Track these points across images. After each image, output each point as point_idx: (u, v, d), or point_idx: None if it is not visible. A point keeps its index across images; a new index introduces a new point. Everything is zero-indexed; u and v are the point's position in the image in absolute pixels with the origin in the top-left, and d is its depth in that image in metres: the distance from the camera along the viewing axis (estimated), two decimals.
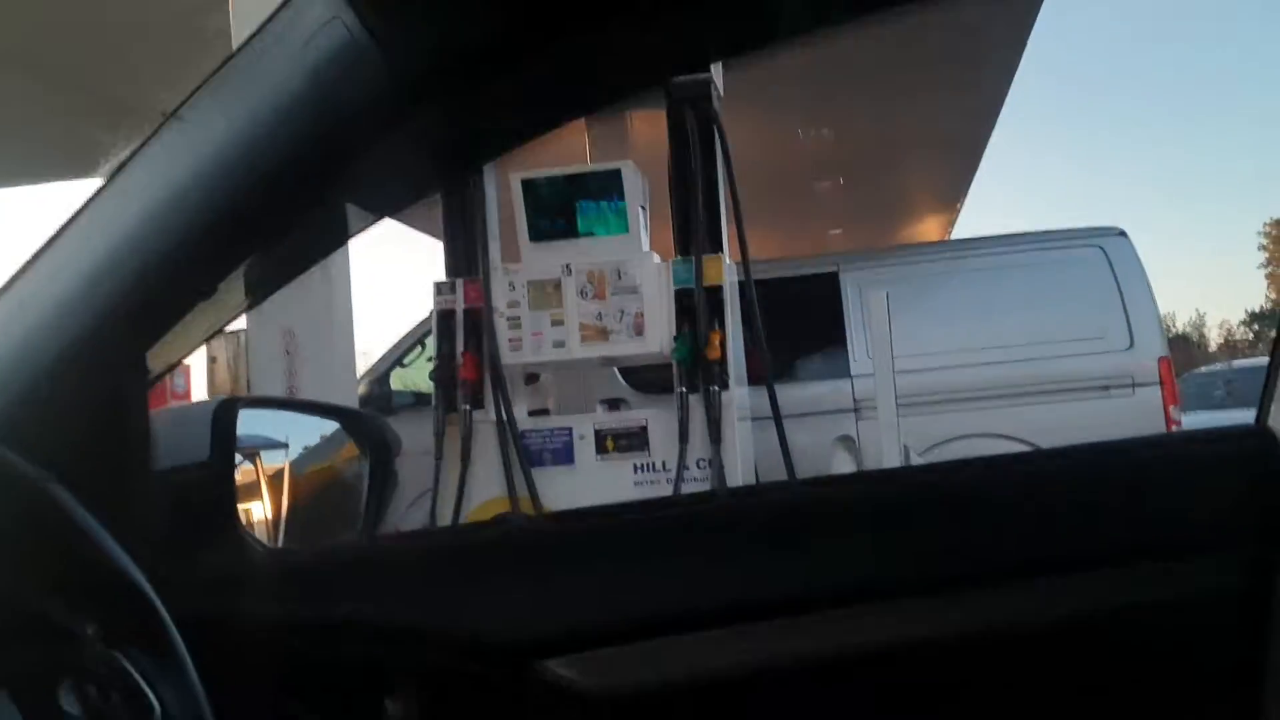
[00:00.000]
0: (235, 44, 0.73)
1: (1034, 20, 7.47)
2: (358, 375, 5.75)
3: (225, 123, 0.66)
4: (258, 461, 1.03)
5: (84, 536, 0.60)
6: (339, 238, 0.81)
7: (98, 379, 0.66)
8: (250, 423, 0.89)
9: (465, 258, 3.95)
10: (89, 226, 0.68)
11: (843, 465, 5.29)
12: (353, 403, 5.22)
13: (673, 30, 0.64)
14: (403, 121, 0.68)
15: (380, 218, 0.78)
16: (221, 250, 0.69)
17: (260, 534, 0.95)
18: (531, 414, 4.22)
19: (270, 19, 0.67)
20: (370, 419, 1.00)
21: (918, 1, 0.72)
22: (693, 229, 3.76)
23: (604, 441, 3.75)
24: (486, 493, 3.82)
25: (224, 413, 0.81)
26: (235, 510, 0.84)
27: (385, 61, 0.64)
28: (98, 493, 0.63)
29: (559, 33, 0.64)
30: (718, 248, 3.81)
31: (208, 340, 0.78)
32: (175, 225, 0.66)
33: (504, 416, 3.83)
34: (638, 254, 3.77)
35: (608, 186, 3.78)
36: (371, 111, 0.66)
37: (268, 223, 0.70)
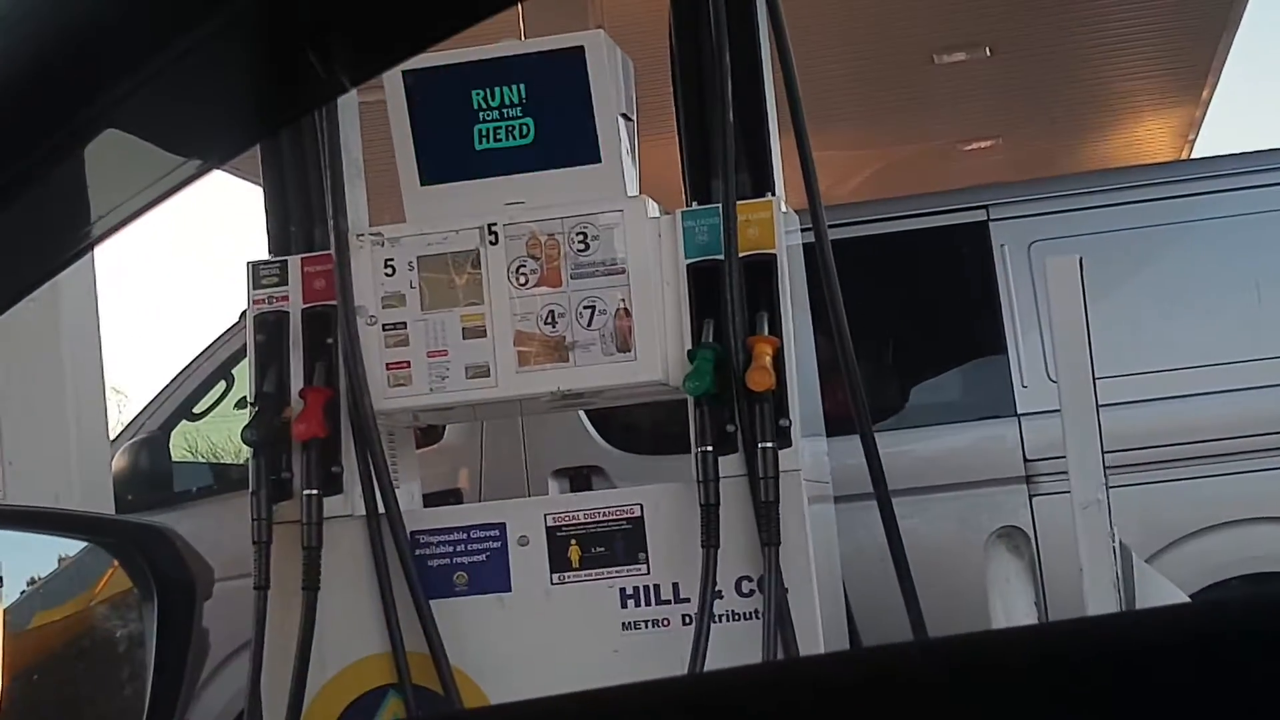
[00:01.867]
0: None
1: None
2: (110, 436, 5.81)
3: None
4: None
5: None
6: (110, 214, 0.84)
7: None
8: None
9: (303, 218, 4.09)
10: None
11: (1005, 580, 5.30)
12: (102, 487, 5.27)
13: None
14: (220, 14, 0.71)
15: (186, 172, 0.82)
16: None
17: None
18: (430, 500, 4.33)
19: None
20: (155, 534, 1.03)
21: None
22: (717, 151, 3.85)
23: (565, 548, 3.84)
24: (352, 647, 3.89)
25: None
26: None
27: None
28: None
29: None
30: (764, 186, 3.93)
31: None
32: None
33: (379, 507, 3.90)
34: (619, 200, 3.90)
35: (560, 80, 3.89)
36: None
37: None
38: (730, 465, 3.72)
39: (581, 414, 5.58)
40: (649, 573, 3.78)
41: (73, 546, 1.20)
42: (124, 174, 0.84)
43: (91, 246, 0.88)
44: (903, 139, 12.20)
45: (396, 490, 3.94)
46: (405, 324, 3.93)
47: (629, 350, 3.83)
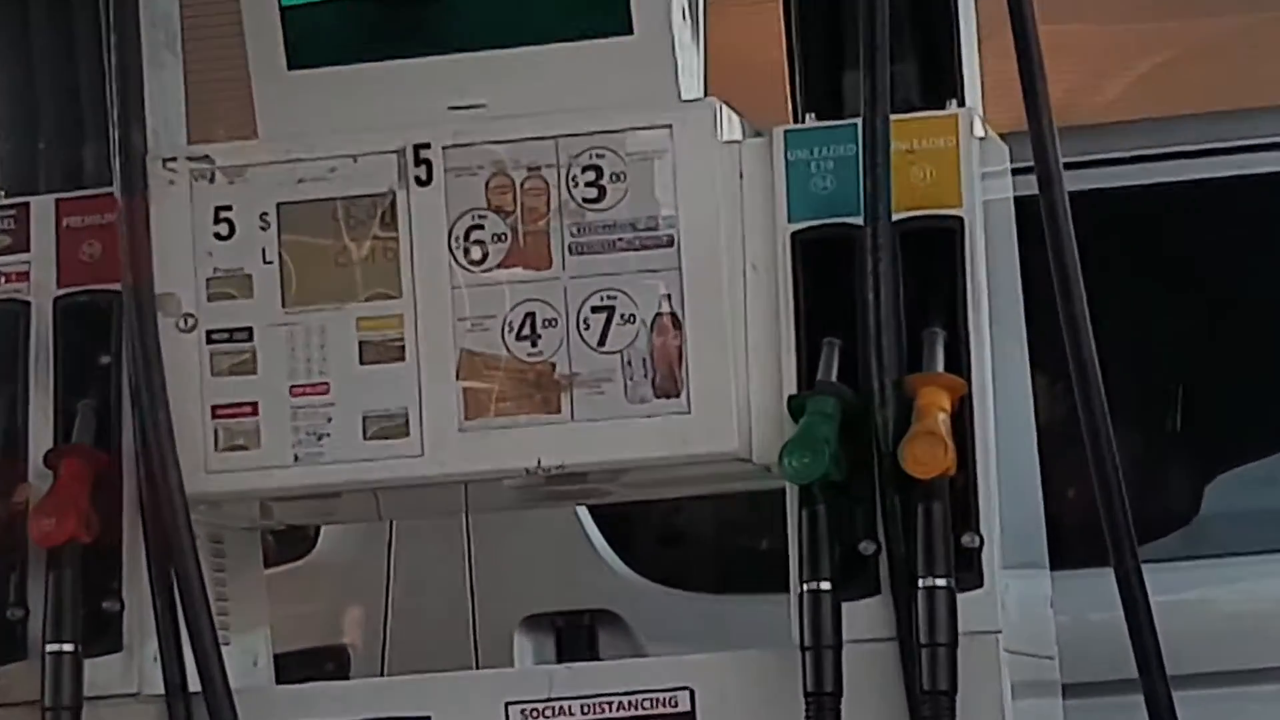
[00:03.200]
0: None
1: None
2: None
3: None
4: None
5: None
6: None
7: None
8: None
9: (63, 130, 4.07)
10: None
11: None
12: None
13: None
14: None
15: None
16: None
17: None
18: (292, 666, 4.36)
19: None
20: None
21: None
22: (862, 23, 3.69)
23: None
24: None
25: None
26: None
27: None
28: None
29: None
30: (946, 90, 3.82)
31: None
32: None
33: (190, 678, 3.70)
34: (667, 104, 3.79)
35: None
36: None
37: None
38: (865, 616, 3.51)
39: (582, 512, 5.51)
40: None
41: None
42: None
43: None
44: (1188, 17, 11.96)
45: (225, 648, 3.71)
46: (251, 331, 3.78)
47: (677, 393, 3.66)
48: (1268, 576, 5.41)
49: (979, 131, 3.74)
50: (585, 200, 3.68)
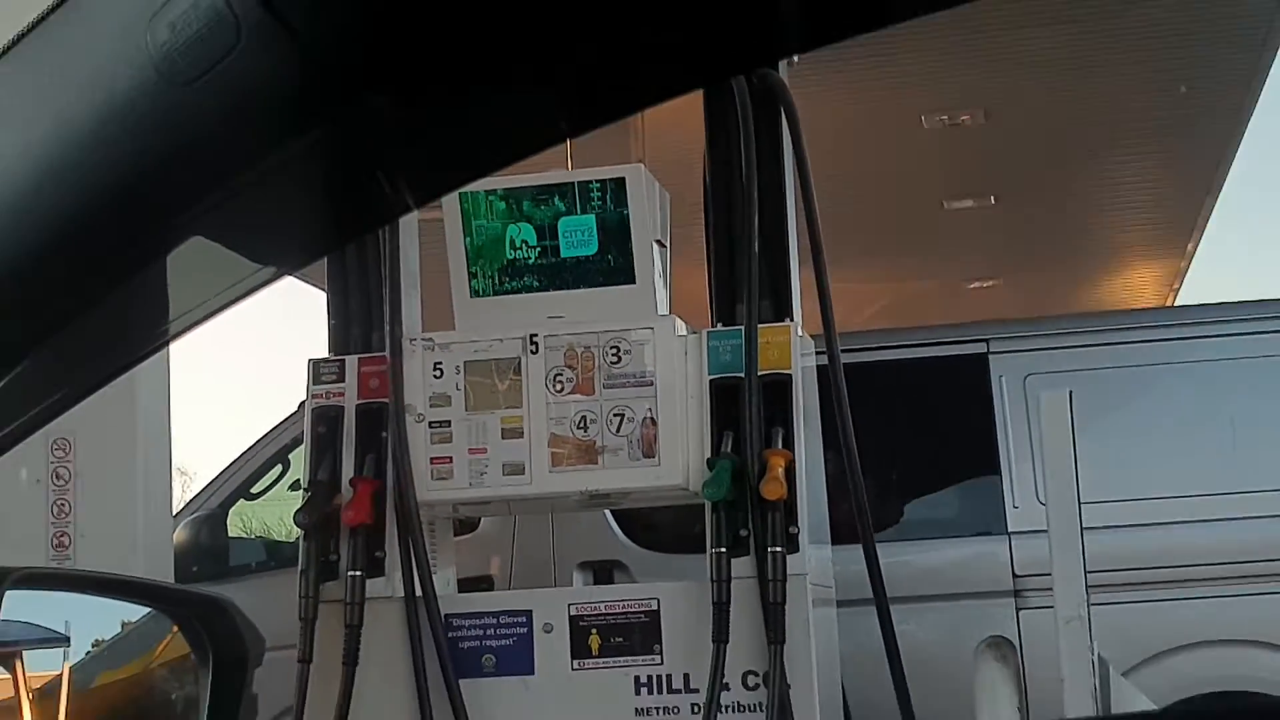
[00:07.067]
0: None
1: None
2: (173, 511, 5.86)
3: (16, 137, 0.71)
4: (17, 666, 1.05)
5: None
6: (190, 311, 0.85)
7: None
8: (19, 609, 0.92)
9: (362, 322, 4.10)
10: None
11: (993, 687, 5.34)
12: (164, 559, 5.28)
13: (733, 22, 0.70)
14: (305, 136, 0.72)
15: (261, 278, 0.82)
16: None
17: None
18: (464, 586, 4.32)
19: None
20: (214, 605, 1.03)
21: None
22: (742, 279, 3.87)
23: (586, 637, 3.81)
24: (386, 719, 3.86)
25: None
26: None
27: (283, 48, 0.68)
28: None
29: (562, 31, 0.69)
30: (785, 312, 3.93)
31: None
32: None
33: (417, 590, 3.88)
34: (650, 319, 3.89)
35: (603, 207, 3.92)
36: (255, 122, 0.70)
37: (76, 292, 0.74)
38: (742, 567, 3.69)
39: (607, 513, 5.58)
40: (663, 663, 3.75)
41: (135, 612, 1.19)
42: (205, 277, 0.84)
43: (169, 341, 0.91)
44: (913, 276, 12.30)
45: (434, 575, 3.92)
46: (450, 422, 3.91)
47: (654, 456, 3.82)
48: (928, 550, 5.64)
49: (799, 334, 3.87)
50: (610, 362, 3.82)
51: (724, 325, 3.90)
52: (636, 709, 3.74)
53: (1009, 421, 5.82)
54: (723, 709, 3.64)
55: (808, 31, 0.73)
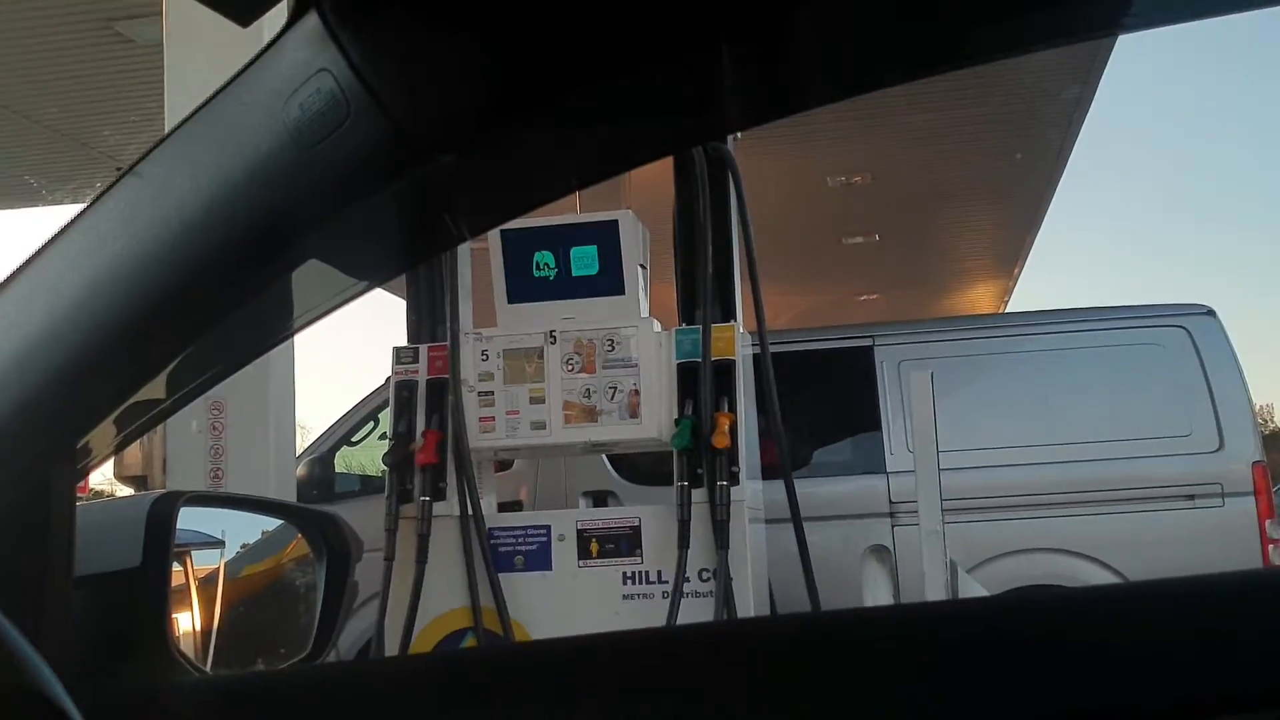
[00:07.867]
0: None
1: (1104, 64, 7.70)
2: (296, 453, 5.79)
3: (190, 184, 0.70)
4: (188, 561, 1.05)
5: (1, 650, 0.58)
6: (309, 311, 0.84)
7: (22, 471, 0.68)
8: (188, 521, 0.91)
9: (431, 320, 4.02)
10: (23, 295, 0.70)
11: (875, 580, 5.32)
12: (290, 487, 5.26)
13: (701, 95, 0.70)
14: (394, 185, 0.72)
15: (359, 288, 0.82)
16: (175, 328, 0.72)
17: (190, 647, 0.98)
18: (502, 508, 4.23)
19: (248, 66, 0.71)
20: (327, 518, 1.02)
21: (972, 63, 0.79)
22: (700, 292, 3.82)
23: (588, 544, 3.76)
24: (445, 601, 3.82)
25: (162, 511, 0.82)
26: (168, 626, 0.86)
27: (380, 121, 0.68)
28: (16, 600, 0.64)
29: (580, 91, 0.69)
30: (730, 315, 3.86)
31: (142, 431, 0.81)
32: (123, 299, 0.68)
33: (469, 510, 3.84)
34: (635, 320, 3.81)
35: (602, 240, 3.85)
36: (360, 175, 0.71)
37: (228, 298, 0.73)
38: (698, 496, 3.66)
39: (604, 457, 5.52)
40: (643, 563, 3.72)
41: (270, 523, 1.20)
42: (318, 287, 0.84)
43: (293, 334, 0.89)
44: (819, 291, 12.28)
45: (481, 501, 3.87)
46: (493, 392, 3.87)
47: (637, 417, 3.77)
48: (830, 484, 5.56)
49: (740, 331, 3.80)
50: (607, 351, 3.77)
51: (687, 325, 3.84)
52: (623, 595, 3.71)
53: (888, 393, 5.82)
54: (684, 595, 3.63)
55: (746, 117, 0.76)
